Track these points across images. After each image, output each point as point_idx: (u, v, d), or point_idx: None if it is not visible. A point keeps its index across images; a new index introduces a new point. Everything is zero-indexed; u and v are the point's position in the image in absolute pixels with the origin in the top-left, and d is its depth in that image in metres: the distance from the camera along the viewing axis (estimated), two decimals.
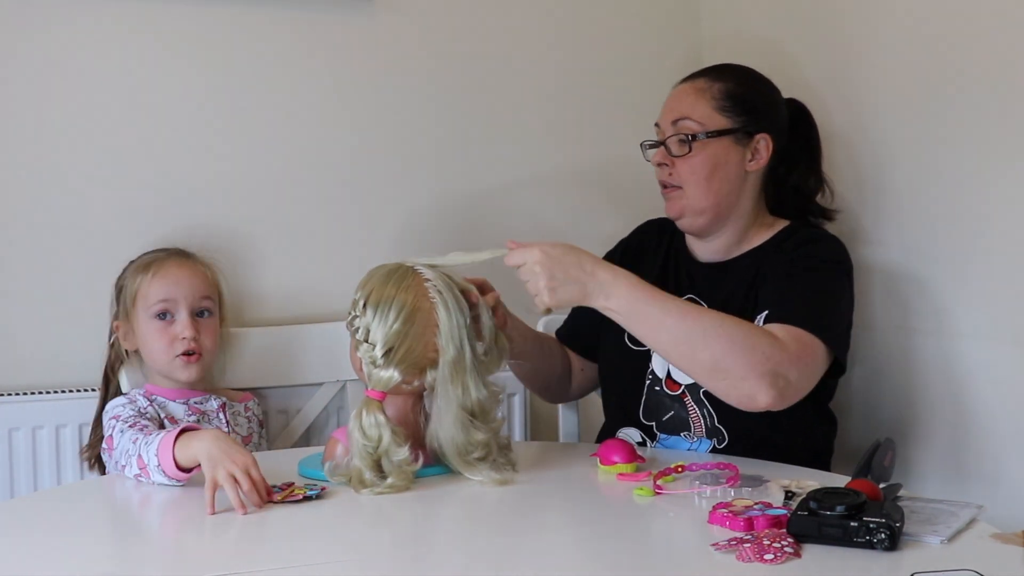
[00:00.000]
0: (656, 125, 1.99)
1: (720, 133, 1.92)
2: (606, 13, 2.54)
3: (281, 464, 1.83)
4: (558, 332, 2.15)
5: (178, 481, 1.67)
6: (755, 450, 1.86)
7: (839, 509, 1.37)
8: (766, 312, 1.82)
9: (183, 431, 1.67)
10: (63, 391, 2.12)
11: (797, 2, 2.35)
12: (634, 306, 1.71)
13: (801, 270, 1.88)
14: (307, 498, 1.62)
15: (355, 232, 2.35)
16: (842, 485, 1.46)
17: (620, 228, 2.17)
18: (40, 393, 2.10)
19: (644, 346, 1.94)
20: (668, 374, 1.94)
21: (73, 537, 1.55)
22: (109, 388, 2.06)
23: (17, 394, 2.09)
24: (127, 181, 2.19)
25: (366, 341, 1.69)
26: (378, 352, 1.68)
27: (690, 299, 1.92)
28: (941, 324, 2.02)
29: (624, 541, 1.52)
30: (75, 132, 2.16)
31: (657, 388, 1.95)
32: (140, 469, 1.70)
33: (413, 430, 1.72)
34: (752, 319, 1.83)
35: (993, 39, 1.91)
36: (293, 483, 1.67)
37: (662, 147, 1.95)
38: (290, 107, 2.31)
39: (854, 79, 2.20)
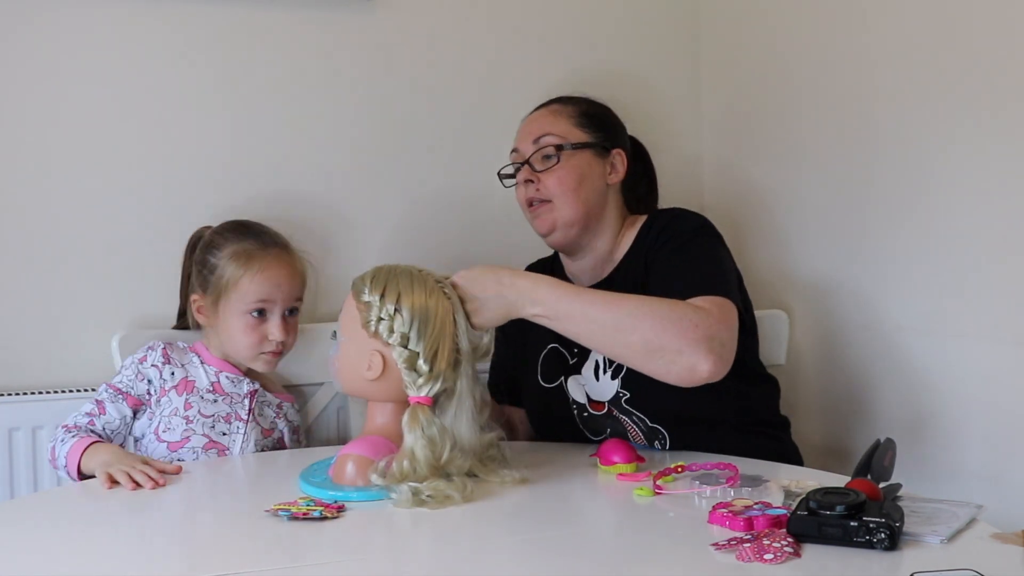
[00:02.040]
0: (513, 151, 2.04)
1: (583, 146, 1.99)
2: (606, 15, 2.54)
3: (280, 465, 1.84)
4: (493, 395, 2.12)
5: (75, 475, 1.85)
6: (698, 435, 1.87)
7: (839, 509, 1.37)
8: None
9: (90, 444, 1.86)
10: (63, 391, 2.12)
11: (794, 12, 2.35)
12: (560, 306, 1.72)
13: (676, 247, 1.91)
14: (318, 518, 1.57)
15: (355, 231, 2.35)
16: (842, 485, 1.46)
17: None
18: (40, 393, 2.10)
19: (555, 382, 2.00)
20: (588, 398, 1.97)
21: (73, 537, 1.55)
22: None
23: (17, 394, 2.09)
24: (127, 183, 2.19)
25: (404, 347, 1.68)
26: (423, 362, 1.67)
27: None
28: (941, 324, 2.02)
29: (624, 541, 1.52)
30: (75, 133, 2.16)
31: (585, 414, 1.97)
32: (51, 459, 1.87)
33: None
34: None
35: (959, 38, 1.92)
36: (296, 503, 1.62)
37: (526, 166, 2.00)
38: (289, 107, 2.31)
39: (852, 74, 2.20)
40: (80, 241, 2.16)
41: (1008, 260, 1.91)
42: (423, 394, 1.68)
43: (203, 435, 1.95)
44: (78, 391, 2.11)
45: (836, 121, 2.25)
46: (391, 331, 1.69)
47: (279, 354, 2.02)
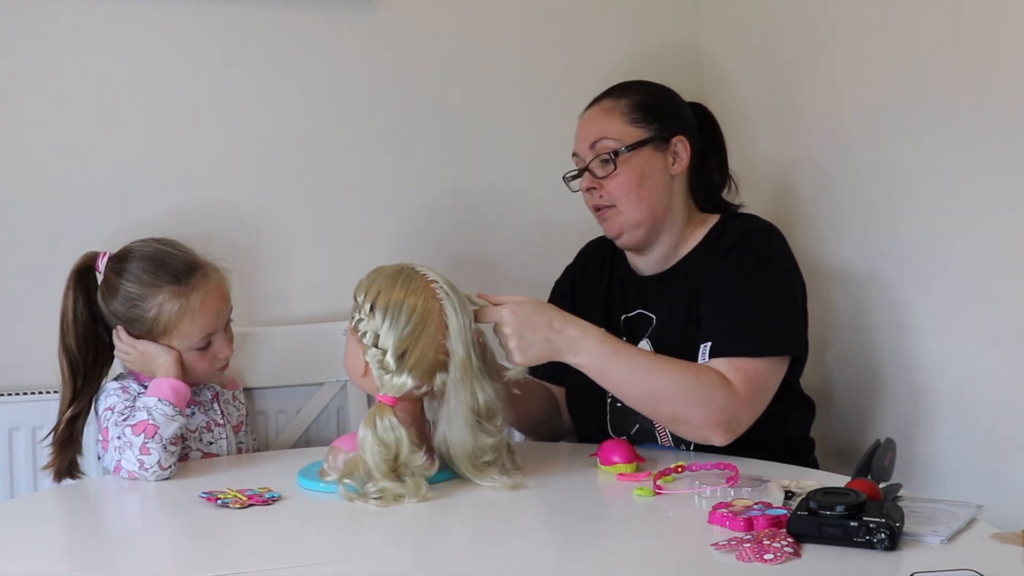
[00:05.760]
0: (574, 155, 2.02)
1: (639, 144, 1.95)
2: (607, 14, 2.54)
3: (280, 465, 1.84)
4: (534, 370, 2.10)
5: (179, 400, 1.82)
6: (722, 449, 1.85)
7: (839, 509, 1.37)
8: (710, 343, 1.84)
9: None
10: None
11: (795, 13, 2.35)
12: (601, 363, 1.77)
13: (737, 285, 1.88)
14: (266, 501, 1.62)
15: (355, 232, 2.35)
16: (842, 485, 1.46)
17: None
18: (40, 393, 2.10)
19: None
20: None
21: (73, 537, 1.55)
22: (81, 387, 1.93)
23: (17, 394, 2.09)
24: (126, 183, 2.19)
25: (375, 346, 1.67)
26: (390, 358, 1.66)
27: (640, 314, 1.99)
28: (942, 324, 2.02)
29: (624, 541, 1.52)
30: (72, 131, 2.16)
31: (619, 404, 1.95)
32: (140, 433, 1.76)
33: (420, 435, 1.70)
34: (696, 327, 1.89)
35: (973, 38, 1.92)
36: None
37: (587, 173, 1.98)
38: (289, 107, 2.31)
39: (852, 73, 2.20)
40: (79, 241, 2.15)
41: (1009, 260, 1.91)
42: (390, 394, 1.66)
43: (198, 449, 1.94)
44: None
45: (837, 119, 2.25)
46: (365, 331, 1.68)
47: (227, 365, 1.99)
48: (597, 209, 2.00)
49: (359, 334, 1.69)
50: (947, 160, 2.01)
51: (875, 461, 1.52)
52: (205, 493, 1.63)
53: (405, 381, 1.66)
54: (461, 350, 1.67)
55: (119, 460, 1.78)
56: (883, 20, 2.13)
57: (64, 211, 2.16)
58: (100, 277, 1.93)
